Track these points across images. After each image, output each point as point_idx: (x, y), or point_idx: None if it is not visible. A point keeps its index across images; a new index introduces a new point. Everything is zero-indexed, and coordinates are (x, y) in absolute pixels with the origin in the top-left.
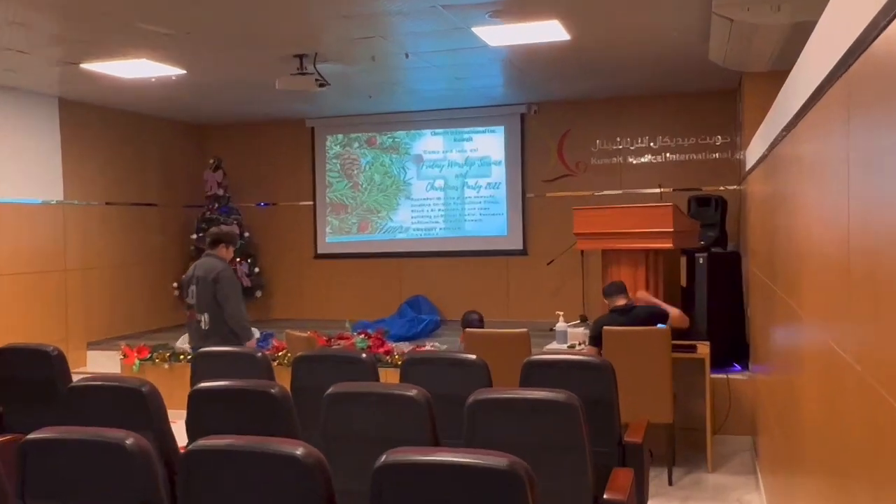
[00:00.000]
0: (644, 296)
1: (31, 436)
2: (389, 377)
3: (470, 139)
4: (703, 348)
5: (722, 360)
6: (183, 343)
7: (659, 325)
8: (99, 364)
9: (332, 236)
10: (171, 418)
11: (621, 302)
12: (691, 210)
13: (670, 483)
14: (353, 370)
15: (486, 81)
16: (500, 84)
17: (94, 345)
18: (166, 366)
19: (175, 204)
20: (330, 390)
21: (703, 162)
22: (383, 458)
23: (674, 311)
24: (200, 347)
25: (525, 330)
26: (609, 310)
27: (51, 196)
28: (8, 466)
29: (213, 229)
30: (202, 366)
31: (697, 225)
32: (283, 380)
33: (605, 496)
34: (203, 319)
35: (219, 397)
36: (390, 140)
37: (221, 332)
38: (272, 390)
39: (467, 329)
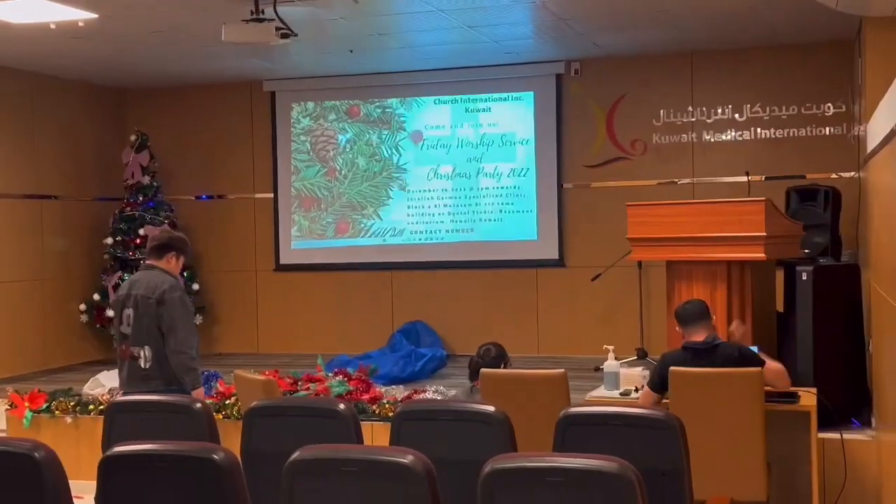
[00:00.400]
0: (739, 331)
1: None
2: (377, 436)
3: (487, 110)
4: (808, 397)
5: (835, 414)
6: (95, 387)
7: None
8: None
9: (300, 241)
10: (74, 492)
11: (700, 335)
12: (791, 206)
13: None
14: (326, 427)
15: (510, 31)
16: (528, 34)
17: None
18: (69, 419)
19: (83, 195)
20: (295, 456)
21: (807, 140)
22: None
23: (772, 364)
24: (139, 395)
25: (562, 370)
26: (682, 345)
27: None
28: None
29: (161, 232)
30: (119, 420)
31: (800, 227)
32: (231, 440)
33: None
34: (143, 356)
35: (141, 465)
36: (379, 111)
37: (167, 373)
38: (215, 456)
39: (483, 370)
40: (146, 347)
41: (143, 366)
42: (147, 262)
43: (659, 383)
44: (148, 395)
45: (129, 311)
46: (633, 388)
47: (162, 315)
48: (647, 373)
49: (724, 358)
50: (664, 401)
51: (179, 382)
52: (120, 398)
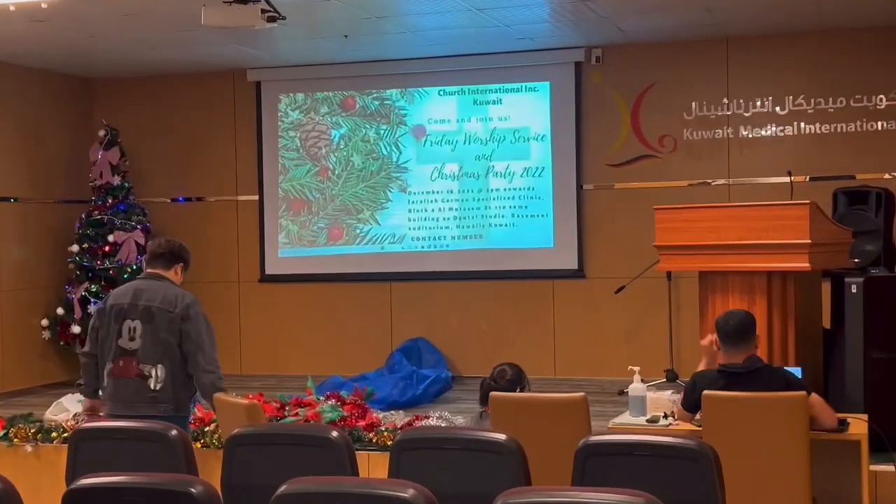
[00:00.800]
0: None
1: None
2: (374, 467)
3: (498, 102)
4: (858, 425)
5: (888, 443)
6: (58, 412)
7: None
8: None
9: (289, 248)
10: None
11: (738, 357)
12: (839, 210)
13: None
14: (317, 457)
15: (524, 14)
16: (544, 17)
17: None
18: (30, 448)
19: (45, 198)
20: (282, 489)
21: (857, 136)
22: None
23: (816, 398)
24: (140, 421)
25: (581, 394)
26: (717, 366)
27: None
28: None
29: (165, 240)
30: (85, 449)
31: (849, 234)
32: (211, 472)
33: None
34: (155, 375)
35: (110, 500)
36: (377, 103)
37: (179, 398)
38: (193, 489)
39: (493, 393)
40: (159, 366)
41: (152, 386)
42: (151, 270)
43: (692, 405)
44: (144, 421)
45: (134, 324)
46: (662, 414)
47: (187, 332)
48: (676, 397)
49: (766, 386)
50: (697, 427)
51: (188, 409)
52: (86, 424)
